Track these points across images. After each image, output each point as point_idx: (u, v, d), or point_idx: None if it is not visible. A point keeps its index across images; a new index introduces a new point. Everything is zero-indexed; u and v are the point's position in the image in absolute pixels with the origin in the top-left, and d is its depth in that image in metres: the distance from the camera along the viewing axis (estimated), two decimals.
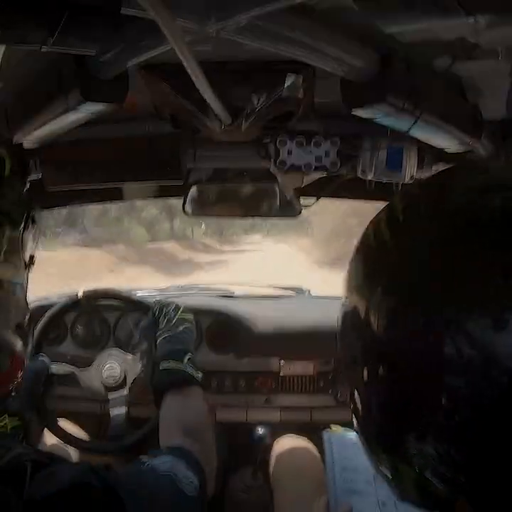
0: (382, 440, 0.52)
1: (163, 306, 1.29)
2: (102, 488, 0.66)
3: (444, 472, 0.45)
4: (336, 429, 1.21)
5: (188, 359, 1.15)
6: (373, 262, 0.53)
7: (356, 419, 0.57)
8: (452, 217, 0.47)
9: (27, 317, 0.76)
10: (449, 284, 0.44)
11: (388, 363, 0.47)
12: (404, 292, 0.47)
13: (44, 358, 1.49)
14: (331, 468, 1.08)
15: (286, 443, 1.67)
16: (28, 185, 0.75)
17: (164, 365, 1.13)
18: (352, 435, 1.15)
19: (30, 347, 0.78)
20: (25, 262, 0.75)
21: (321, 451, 1.40)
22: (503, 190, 0.46)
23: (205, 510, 0.81)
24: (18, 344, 0.71)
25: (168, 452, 0.86)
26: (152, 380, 1.15)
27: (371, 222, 0.57)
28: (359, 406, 0.55)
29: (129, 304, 1.62)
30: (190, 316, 1.29)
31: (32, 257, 0.77)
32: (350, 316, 0.54)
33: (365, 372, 0.51)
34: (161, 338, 1.21)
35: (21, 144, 1.22)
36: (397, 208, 0.55)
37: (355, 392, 0.55)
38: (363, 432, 0.56)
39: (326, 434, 1.15)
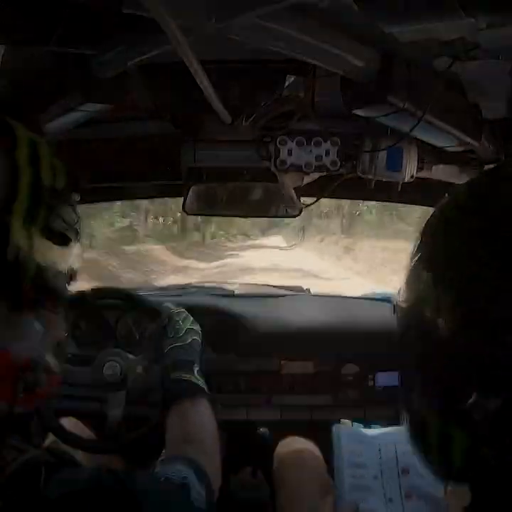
0: (442, 414, 0.53)
1: (173, 314, 1.29)
2: (120, 490, 0.66)
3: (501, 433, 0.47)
4: (346, 423, 1.22)
5: (197, 371, 1.16)
6: (443, 267, 0.53)
7: (410, 411, 0.58)
8: None
9: (66, 335, 0.75)
10: None
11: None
12: (477, 299, 0.48)
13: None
14: (339, 464, 1.09)
15: (290, 444, 1.67)
16: (76, 198, 0.70)
17: (175, 375, 1.14)
18: (361, 430, 1.15)
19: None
20: (68, 279, 0.73)
21: (324, 450, 1.40)
22: None
23: None
24: (56, 362, 0.71)
25: (180, 462, 0.86)
26: (162, 388, 1.16)
27: (436, 225, 0.57)
28: (416, 396, 0.56)
29: (129, 303, 1.62)
30: (197, 327, 1.29)
31: (75, 274, 0.74)
32: (414, 318, 0.55)
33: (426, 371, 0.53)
34: (170, 347, 1.21)
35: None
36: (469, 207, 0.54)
37: (416, 385, 0.56)
38: (421, 414, 0.57)
39: (335, 428, 1.15)
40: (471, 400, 0.48)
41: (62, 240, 0.68)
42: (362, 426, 1.21)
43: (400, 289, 0.60)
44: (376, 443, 1.11)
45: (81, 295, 1.58)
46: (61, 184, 0.66)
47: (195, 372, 1.16)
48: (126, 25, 0.88)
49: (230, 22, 0.78)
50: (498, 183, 0.54)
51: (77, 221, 0.72)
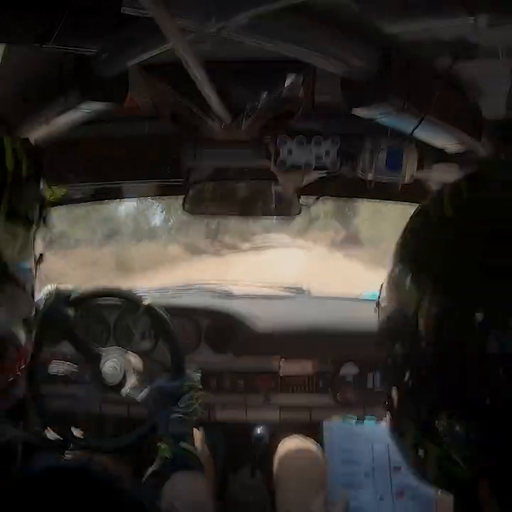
0: (416, 424, 0.53)
1: (192, 388, 1.41)
2: (102, 477, 0.69)
3: (470, 453, 0.48)
4: (337, 419, 1.21)
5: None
6: (423, 260, 0.53)
7: (391, 412, 0.58)
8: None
9: (33, 312, 0.78)
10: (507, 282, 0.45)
11: (436, 360, 0.49)
12: (458, 291, 0.48)
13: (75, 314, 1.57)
14: (330, 460, 1.08)
15: (291, 444, 1.67)
16: (42, 185, 0.75)
17: (185, 446, 1.29)
18: (352, 427, 1.15)
19: (33, 339, 0.81)
20: (35, 260, 0.77)
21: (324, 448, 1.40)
22: None
23: None
24: (24, 337, 0.74)
25: None
26: (171, 453, 1.28)
27: (418, 221, 0.57)
28: (395, 400, 0.56)
29: (128, 303, 1.62)
30: (201, 410, 1.42)
31: (41, 256, 0.79)
32: (395, 315, 0.55)
33: (409, 371, 0.52)
34: (178, 415, 1.35)
35: (35, 141, 1.22)
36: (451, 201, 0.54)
37: (395, 389, 0.56)
38: (399, 418, 0.57)
39: (325, 424, 1.14)
40: (440, 420, 0.48)
41: (27, 222, 0.72)
42: (353, 422, 1.20)
43: (382, 289, 0.60)
44: (368, 440, 1.10)
45: (81, 295, 1.58)
46: (26, 171, 0.71)
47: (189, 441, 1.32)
48: (126, 25, 0.88)
49: (229, 22, 0.78)
50: (478, 186, 0.54)
51: (43, 205, 0.76)
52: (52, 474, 0.64)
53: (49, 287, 1.54)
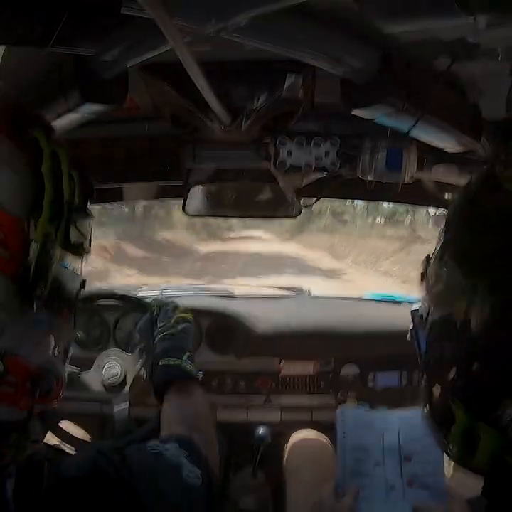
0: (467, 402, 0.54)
1: (161, 304, 1.30)
2: (114, 474, 0.68)
3: None
4: (351, 404, 1.21)
5: (187, 357, 1.15)
6: (472, 261, 0.53)
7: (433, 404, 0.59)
8: None
9: (74, 340, 0.78)
10: None
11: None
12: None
13: None
14: (342, 446, 1.08)
15: (302, 435, 1.69)
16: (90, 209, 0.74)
17: (163, 362, 1.14)
18: (365, 414, 1.15)
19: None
20: (80, 286, 0.77)
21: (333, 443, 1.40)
22: None
23: (210, 500, 0.81)
24: (63, 366, 0.73)
25: (174, 440, 0.86)
26: (151, 377, 1.15)
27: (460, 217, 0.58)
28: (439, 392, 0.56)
29: (128, 304, 1.62)
30: (189, 315, 1.29)
31: (84, 281, 0.78)
32: (441, 319, 0.56)
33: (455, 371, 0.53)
34: (159, 337, 1.21)
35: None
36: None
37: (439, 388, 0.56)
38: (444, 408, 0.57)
39: (338, 411, 1.14)
40: (503, 408, 0.49)
41: (78, 250, 0.71)
42: (367, 407, 1.20)
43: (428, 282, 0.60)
44: (380, 428, 1.10)
45: (80, 296, 1.58)
46: (78, 198, 0.69)
47: (185, 357, 1.15)
48: (126, 26, 0.88)
49: (228, 22, 0.78)
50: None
51: (91, 232, 0.75)
52: (63, 486, 0.63)
53: None
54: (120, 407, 1.45)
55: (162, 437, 0.93)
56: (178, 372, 1.12)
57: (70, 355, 0.77)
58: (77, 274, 0.74)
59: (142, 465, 0.74)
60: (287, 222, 19.37)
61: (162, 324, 1.23)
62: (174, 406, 1.08)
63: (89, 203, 0.73)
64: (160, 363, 1.14)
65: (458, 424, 0.55)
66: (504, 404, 0.49)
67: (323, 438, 1.62)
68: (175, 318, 1.25)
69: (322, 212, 21.07)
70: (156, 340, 1.21)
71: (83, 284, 0.78)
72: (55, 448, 0.73)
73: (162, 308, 1.28)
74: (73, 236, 0.68)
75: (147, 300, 1.54)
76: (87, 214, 0.73)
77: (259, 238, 21.00)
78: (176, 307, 1.29)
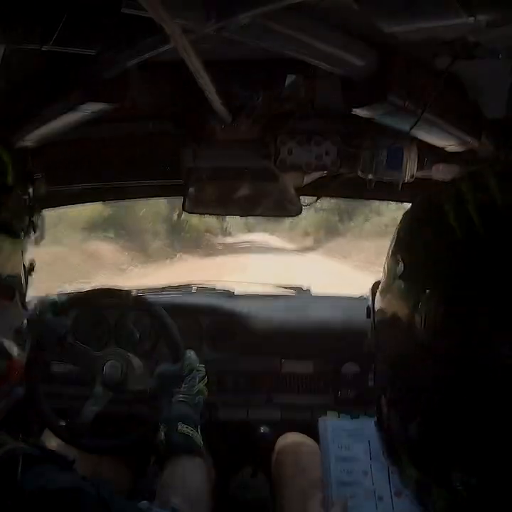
0: (416, 459, 0.53)
1: (193, 369, 1.37)
2: (95, 495, 0.68)
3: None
4: (332, 415, 1.20)
5: (199, 430, 1.24)
6: (420, 262, 0.53)
7: (382, 422, 0.58)
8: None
9: (25, 322, 0.77)
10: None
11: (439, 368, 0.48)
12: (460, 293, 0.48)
13: (67, 319, 1.54)
14: (326, 458, 1.07)
15: (289, 440, 1.68)
16: (31, 192, 0.75)
17: (182, 429, 1.21)
18: (349, 423, 1.14)
19: (27, 349, 0.79)
20: (25, 268, 0.77)
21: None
22: None
23: None
24: (16, 348, 0.73)
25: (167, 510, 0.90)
26: (167, 438, 1.22)
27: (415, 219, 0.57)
28: (387, 411, 0.55)
29: (129, 303, 1.62)
30: (205, 390, 1.37)
31: (32, 263, 0.78)
32: (389, 317, 0.54)
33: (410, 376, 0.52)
34: (180, 398, 1.29)
35: (26, 148, 1.22)
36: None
37: (385, 397, 0.55)
38: (392, 444, 0.57)
39: (321, 422, 1.13)
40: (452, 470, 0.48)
41: (13, 232, 0.72)
42: (349, 417, 1.20)
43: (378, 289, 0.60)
44: (366, 435, 1.10)
45: (81, 295, 1.58)
46: (12, 180, 0.71)
47: (199, 431, 1.24)
48: (126, 25, 0.88)
49: (229, 22, 0.78)
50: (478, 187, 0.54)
51: (30, 215, 0.75)
52: (44, 495, 0.63)
53: (35, 300, 1.54)
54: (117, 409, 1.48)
55: (156, 503, 0.96)
56: (193, 446, 1.21)
57: (28, 341, 0.77)
58: (18, 257, 0.74)
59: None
60: (304, 221, 15.97)
61: (186, 387, 1.32)
62: (178, 475, 1.15)
63: (29, 186, 0.75)
64: (179, 429, 1.21)
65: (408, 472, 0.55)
66: (453, 466, 0.48)
67: (309, 442, 1.61)
68: (198, 388, 1.34)
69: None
70: (174, 398, 1.30)
71: (31, 267, 0.78)
72: (36, 446, 0.72)
73: (193, 371, 1.36)
74: (4, 217, 0.70)
75: (147, 299, 1.55)
76: (23, 198, 0.74)
77: (265, 246, 15.86)
78: (203, 377, 1.37)
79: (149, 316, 1.61)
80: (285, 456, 1.57)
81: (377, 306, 0.59)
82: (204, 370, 1.39)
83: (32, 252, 0.77)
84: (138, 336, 1.84)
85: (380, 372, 0.58)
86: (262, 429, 1.66)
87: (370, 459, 1.06)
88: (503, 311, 0.45)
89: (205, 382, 1.36)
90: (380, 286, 0.59)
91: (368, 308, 0.63)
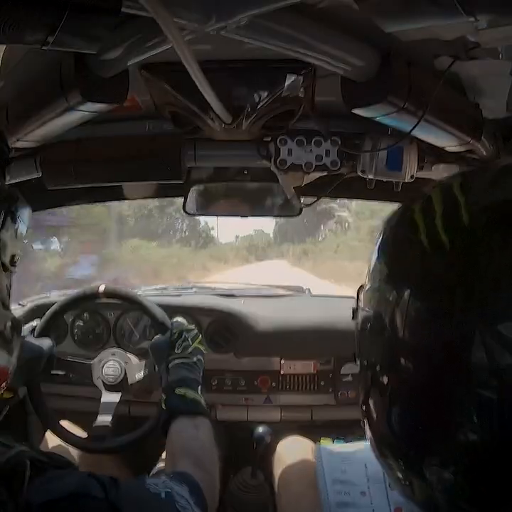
0: (399, 454, 0.53)
1: (183, 330, 1.32)
2: (104, 500, 0.65)
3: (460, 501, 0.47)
4: (326, 442, 1.20)
5: (200, 390, 1.19)
6: (401, 264, 0.53)
7: (369, 424, 0.58)
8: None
9: (8, 323, 0.71)
10: (486, 287, 0.45)
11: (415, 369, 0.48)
12: (436, 296, 0.47)
13: (50, 340, 1.51)
14: (322, 483, 1.07)
15: (288, 441, 1.68)
16: (7, 179, 0.71)
17: (180, 390, 1.16)
18: (342, 448, 1.14)
19: (15, 354, 0.73)
20: (4, 264, 0.72)
21: None
22: None
23: None
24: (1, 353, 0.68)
25: (173, 477, 0.85)
26: (166, 402, 1.17)
27: (398, 223, 0.57)
28: (374, 413, 0.55)
29: (129, 303, 1.62)
30: (203, 347, 1.32)
31: (13, 257, 0.73)
32: (371, 319, 0.54)
33: (386, 379, 0.53)
34: (175, 363, 1.24)
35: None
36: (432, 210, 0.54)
37: (371, 398, 0.55)
38: (377, 440, 0.57)
39: (317, 448, 1.14)
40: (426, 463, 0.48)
41: None
42: (343, 442, 1.20)
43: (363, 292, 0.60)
44: (361, 458, 1.09)
45: (81, 295, 1.58)
46: None
47: (199, 391, 1.19)
48: (126, 25, 0.88)
49: (229, 21, 0.78)
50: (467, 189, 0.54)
51: (10, 203, 0.72)
52: (52, 506, 0.61)
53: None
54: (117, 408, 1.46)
55: (157, 472, 0.92)
56: (193, 406, 1.15)
57: (17, 345, 0.72)
58: None
59: (134, 499, 0.72)
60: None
61: (179, 351, 1.26)
62: (182, 438, 1.10)
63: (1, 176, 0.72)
64: (176, 392, 1.16)
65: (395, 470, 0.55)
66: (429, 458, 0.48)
67: (309, 442, 1.61)
68: (193, 347, 1.28)
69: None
70: (171, 364, 1.24)
71: (12, 261, 0.73)
72: (43, 452, 0.69)
73: (183, 334, 1.31)
74: None
75: (147, 299, 1.55)
76: None
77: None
78: (196, 336, 1.32)
79: (128, 303, 1.60)
80: (285, 457, 1.57)
81: (360, 308, 0.60)
82: (195, 329, 1.35)
83: (15, 246, 0.71)
84: (138, 336, 1.84)
85: (362, 373, 0.58)
86: (262, 430, 1.66)
87: (368, 480, 1.06)
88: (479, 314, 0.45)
89: (200, 339, 1.31)
90: (363, 289, 0.60)
91: (354, 310, 0.63)
